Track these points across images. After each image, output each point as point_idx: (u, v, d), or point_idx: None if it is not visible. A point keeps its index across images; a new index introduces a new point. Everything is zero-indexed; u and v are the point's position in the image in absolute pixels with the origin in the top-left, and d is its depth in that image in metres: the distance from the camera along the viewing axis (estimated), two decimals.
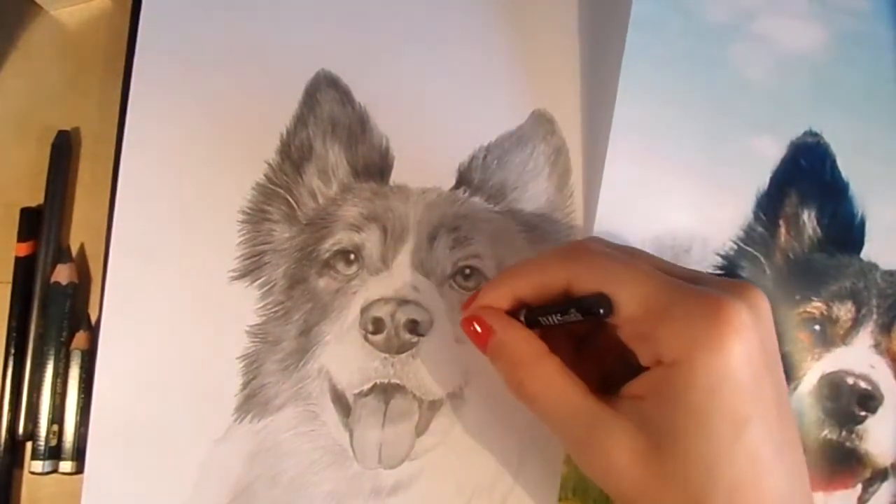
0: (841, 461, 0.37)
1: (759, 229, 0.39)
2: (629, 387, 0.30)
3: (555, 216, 0.39)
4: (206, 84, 0.40)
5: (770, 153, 0.40)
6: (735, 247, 0.39)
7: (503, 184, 0.40)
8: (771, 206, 0.39)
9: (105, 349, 0.38)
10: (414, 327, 0.37)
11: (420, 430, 0.37)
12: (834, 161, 0.40)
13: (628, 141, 0.39)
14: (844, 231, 0.40)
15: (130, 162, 0.39)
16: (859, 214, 0.40)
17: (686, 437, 0.28)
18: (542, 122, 0.40)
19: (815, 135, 0.40)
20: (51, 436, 0.37)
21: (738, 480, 0.27)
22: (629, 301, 0.29)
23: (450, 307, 0.38)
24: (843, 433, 0.37)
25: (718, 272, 0.39)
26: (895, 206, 0.40)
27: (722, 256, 0.39)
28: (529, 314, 0.33)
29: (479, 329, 0.33)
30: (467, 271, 0.38)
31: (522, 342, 0.32)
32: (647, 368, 0.30)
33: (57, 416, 0.37)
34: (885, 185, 0.40)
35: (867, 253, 0.39)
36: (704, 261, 0.39)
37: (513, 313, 0.33)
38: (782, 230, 0.40)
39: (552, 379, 0.31)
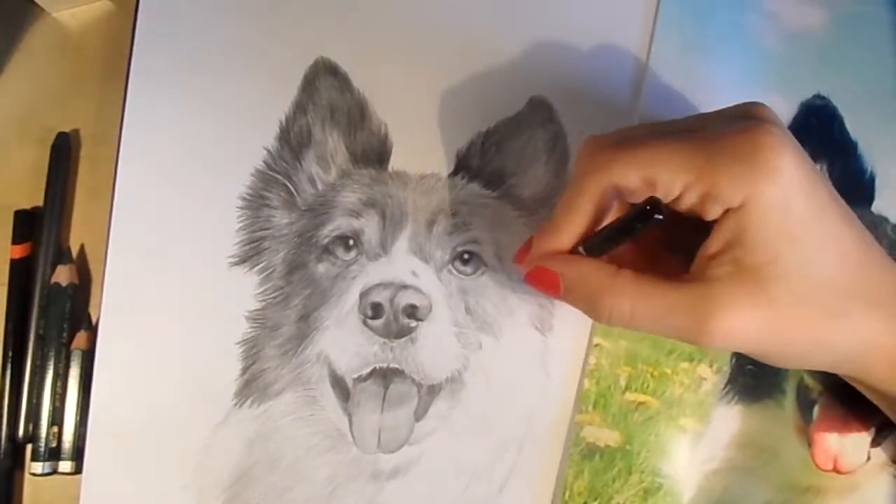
0: (855, 404, 0.37)
1: None
2: (705, 250, 0.31)
3: (553, 201, 0.39)
4: (205, 72, 0.40)
5: (782, 111, 0.40)
6: None
7: (501, 170, 0.40)
8: None
9: (105, 335, 0.38)
10: (413, 312, 0.37)
11: (419, 415, 0.37)
12: (842, 121, 0.41)
13: (656, 90, 0.41)
14: (855, 185, 0.41)
15: (130, 148, 0.39)
16: (868, 170, 0.41)
17: (779, 258, 0.29)
18: (540, 109, 0.40)
19: (824, 98, 0.41)
20: (51, 437, 0.37)
21: (837, 271, 0.30)
22: (679, 174, 0.30)
23: (448, 292, 0.38)
24: None
25: None
26: None
27: None
28: (587, 247, 0.33)
29: (545, 279, 0.33)
30: (466, 256, 0.39)
31: (593, 272, 0.32)
32: (698, 235, 0.31)
33: (57, 418, 0.37)
34: (892, 145, 0.41)
35: (877, 207, 0.41)
36: None
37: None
38: None
39: (635, 289, 0.31)
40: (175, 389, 0.37)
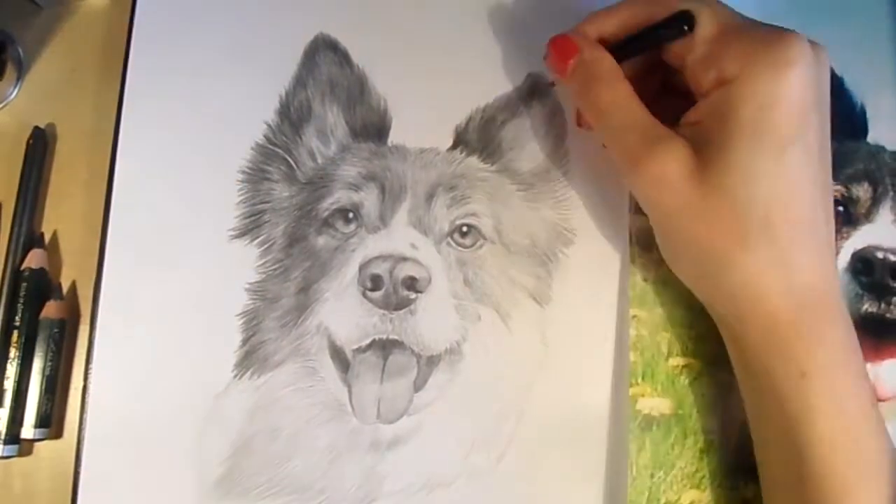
0: (885, 332, 0.39)
1: None
2: (688, 115, 0.33)
3: (550, 175, 0.40)
4: (206, 46, 0.40)
5: None
6: None
7: (500, 144, 0.40)
8: None
9: (105, 310, 0.38)
10: (412, 284, 0.37)
11: (418, 386, 0.38)
12: None
13: None
14: (848, 119, 0.42)
15: (130, 119, 0.39)
16: (859, 103, 0.42)
17: (733, 150, 0.30)
18: (538, 84, 0.41)
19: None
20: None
21: (775, 196, 0.30)
22: (708, 21, 0.32)
23: (447, 264, 0.38)
24: (883, 305, 0.39)
25: None
26: (891, 93, 0.43)
27: None
28: (611, 48, 0.34)
29: (565, 48, 0.35)
30: (464, 229, 0.39)
31: (605, 61, 0.34)
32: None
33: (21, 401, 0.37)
34: (878, 75, 0.43)
35: (872, 138, 0.42)
36: None
37: None
38: None
39: (626, 95, 0.33)
40: (176, 361, 0.38)
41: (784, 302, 0.31)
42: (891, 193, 0.41)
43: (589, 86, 0.34)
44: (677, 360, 0.38)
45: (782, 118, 0.30)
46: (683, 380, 0.37)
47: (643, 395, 0.38)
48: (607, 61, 0.34)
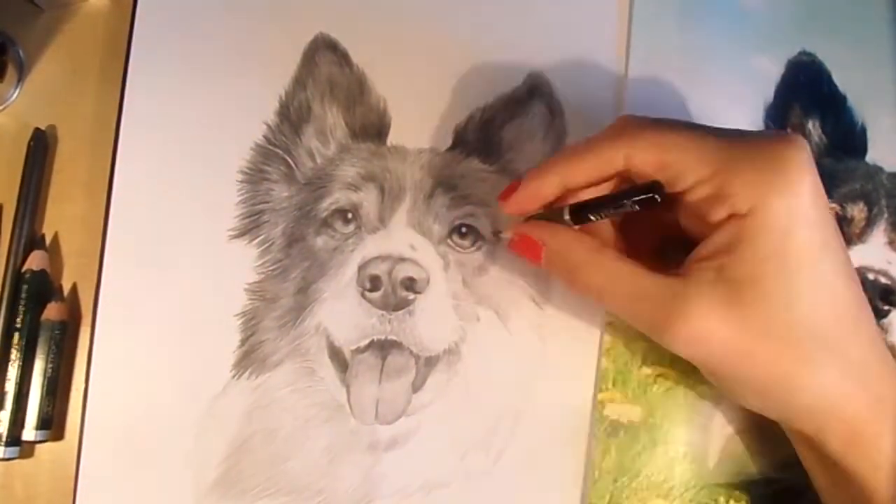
0: None
1: None
2: (698, 252, 0.30)
3: None
4: (206, 47, 0.40)
5: (770, 71, 0.42)
6: None
7: (499, 144, 0.40)
8: (778, 116, 0.42)
9: (106, 312, 0.38)
10: (411, 284, 0.37)
11: (416, 387, 0.37)
12: (829, 76, 0.42)
13: (647, 57, 0.42)
14: (848, 138, 0.42)
15: (130, 119, 0.39)
16: (860, 122, 0.42)
17: (765, 279, 0.28)
18: (538, 84, 0.40)
19: (810, 55, 0.42)
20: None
21: (821, 309, 0.29)
22: (697, 164, 0.30)
23: (446, 265, 0.38)
24: None
25: None
26: (892, 114, 0.42)
27: None
28: (575, 211, 0.32)
29: (529, 247, 0.33)
30: (464, 229, 0.39)
31: (575, 244, 0.32)
32: (696, 241, 0.31)
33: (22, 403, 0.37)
34: (880, 96, 0.42)
35: (871, 157, 0.42)
36: None
37: (557, 210, 0.33)
38: None
39: (613, 268, 0.31)
40: (175, 361, 0.38)
41: (862, 404, 0.30)
42: (885, 215, 0.40)
43: (573, 275, 0.32)
44: (652, 369, 0.38)
45: (808, 235, 0.29)
46: (657, 389, 0.37)
47: (612, 401, 0.38)
48: (577, 244, 0.32)
